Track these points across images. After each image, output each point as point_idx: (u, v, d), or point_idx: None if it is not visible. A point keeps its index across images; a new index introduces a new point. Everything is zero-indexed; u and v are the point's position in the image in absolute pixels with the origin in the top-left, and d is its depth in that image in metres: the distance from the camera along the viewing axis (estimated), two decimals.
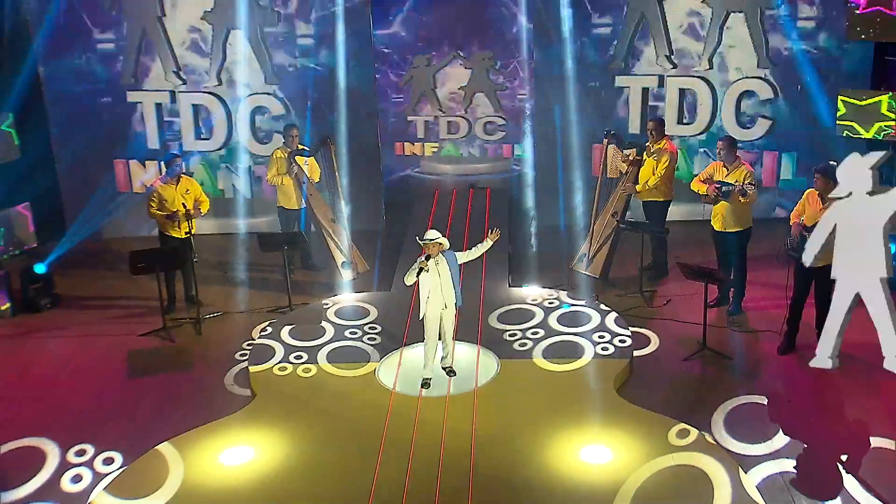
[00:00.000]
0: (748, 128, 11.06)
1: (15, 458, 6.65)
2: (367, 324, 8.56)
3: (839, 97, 9.49)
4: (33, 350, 8.59)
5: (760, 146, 11.07)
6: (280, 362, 7.82)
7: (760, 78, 10.89)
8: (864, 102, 9.27)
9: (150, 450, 6.52)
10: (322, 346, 8.12)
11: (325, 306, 9.01)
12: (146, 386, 7.73)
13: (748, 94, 10.99)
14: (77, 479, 6.39)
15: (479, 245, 7.42)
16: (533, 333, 8.19)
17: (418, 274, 7.02)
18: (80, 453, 6.66)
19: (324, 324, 8.58)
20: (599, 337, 8.02)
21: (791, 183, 10.93)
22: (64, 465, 6.54)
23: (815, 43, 10.63)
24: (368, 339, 8.24)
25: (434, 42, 13.29)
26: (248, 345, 8.31)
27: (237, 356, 8.15)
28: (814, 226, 7.41)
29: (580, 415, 6.80)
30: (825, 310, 7.63)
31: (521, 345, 7.99)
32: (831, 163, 7.47)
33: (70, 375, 8.00)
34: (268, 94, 11.29)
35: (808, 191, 7.72)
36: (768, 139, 11.02)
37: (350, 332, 8.38)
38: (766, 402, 7.07)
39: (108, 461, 6.55)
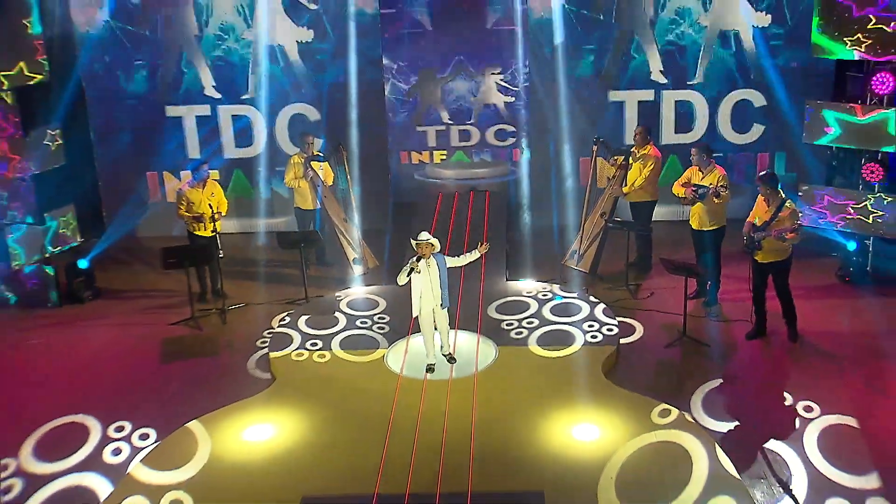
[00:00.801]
0: (744, 133, 11.11)
1: (62, 433, 6.79)
2: (376, 314, 8.63)
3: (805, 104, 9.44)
4: (77, 337, 8.70)
5: (754, 148, 11.14)
6: (297, 349, 7.90)
7: (753, 88, 10.91)
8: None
9: (181, 427, 6.62)
10: (335, 334, 8.20)
11: (337, 298, 9.09)
12: (177, 370, 7.84)
13: (742, 102, 11.00)
14: (117, 451, 6.53)
15: (468, 254, 7.43)
16: (528, 323, 8.26)
17: (409, 274, 7.01)
18: (119, 429, 6.79)
19: (337, 314, 8.66)
20: (589, 326, 8.09)
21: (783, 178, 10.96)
22: (105, 440, 6.67)
23: (784, 59, 10.69)
24: (378, 328, 8.31)
25: (440, 55, 13.28)
26: (269, 333, 8.39)
27: (258, 343, 8.24)
28: (763, 225, 7.50)
29: (571, 397, 6.88)
30: (787, 301, 7.72)
31: (517, 333, 8.05)
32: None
33: (110, 360, 8.11)
34: (305, 102, 11.26)
35: (759, 195, 7.79)
36: (761, 142, 11.08)
37: (361, 322, 8.46)
38: (738, 385, 7.16)
39: (144, 437, 6.68)
